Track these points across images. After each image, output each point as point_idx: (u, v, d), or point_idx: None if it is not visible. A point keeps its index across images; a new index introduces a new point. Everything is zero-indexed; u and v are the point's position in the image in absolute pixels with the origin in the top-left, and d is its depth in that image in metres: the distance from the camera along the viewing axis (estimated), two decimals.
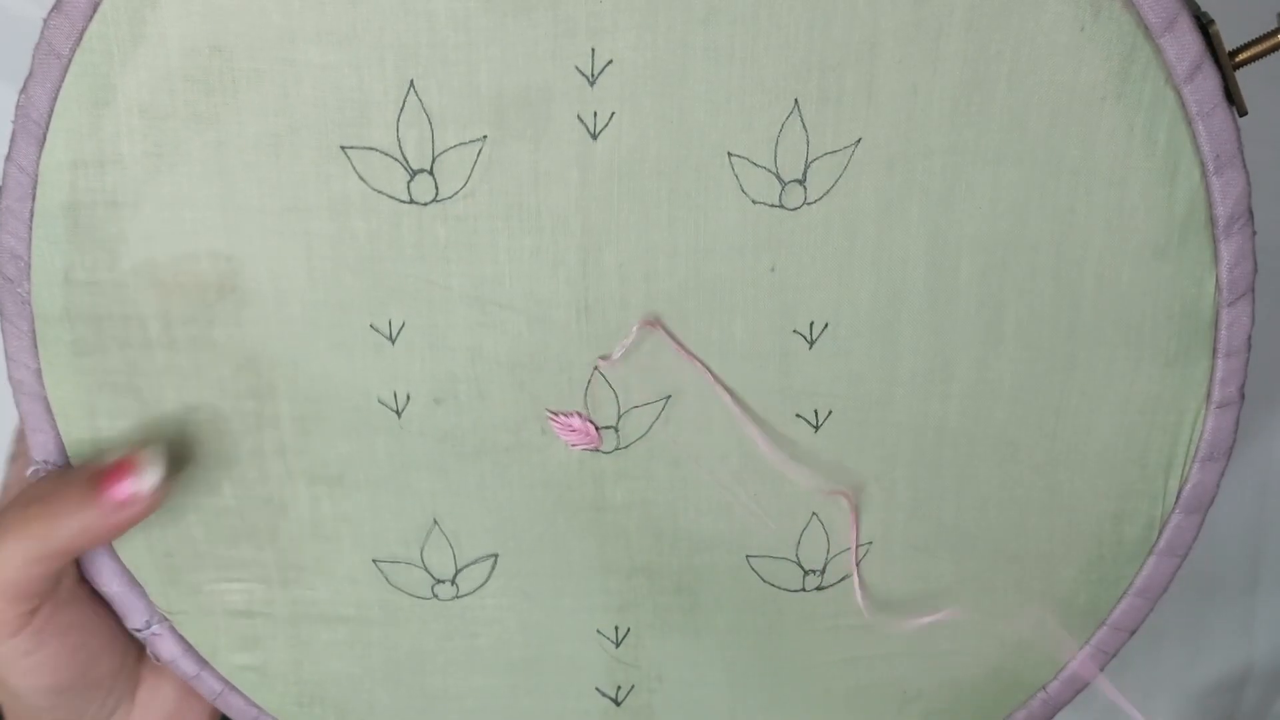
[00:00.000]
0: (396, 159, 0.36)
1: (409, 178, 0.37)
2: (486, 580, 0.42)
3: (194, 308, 0.38)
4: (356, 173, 0.36)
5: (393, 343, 0.39)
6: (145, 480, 0.38)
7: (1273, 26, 0.38)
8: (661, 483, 0.41)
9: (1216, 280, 0.40)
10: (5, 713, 0.43)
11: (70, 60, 0.35)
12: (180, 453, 0.40)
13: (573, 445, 0.40)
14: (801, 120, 0.37)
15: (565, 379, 0.40)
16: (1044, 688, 0.46)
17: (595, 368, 0.39)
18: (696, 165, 0.37)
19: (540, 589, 0.43)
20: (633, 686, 0.45)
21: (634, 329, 0.39)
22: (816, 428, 0.41)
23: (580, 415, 0.40)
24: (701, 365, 0.40)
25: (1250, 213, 0.39)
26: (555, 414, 0.40)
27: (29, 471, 0.40)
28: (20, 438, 0.43)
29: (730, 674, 0.45)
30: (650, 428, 0.40)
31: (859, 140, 0.37)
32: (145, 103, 0.36)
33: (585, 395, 0.40)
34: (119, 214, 0.37)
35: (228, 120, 0.36)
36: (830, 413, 0.41)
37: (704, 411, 0.41)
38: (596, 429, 0.40)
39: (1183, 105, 0.37)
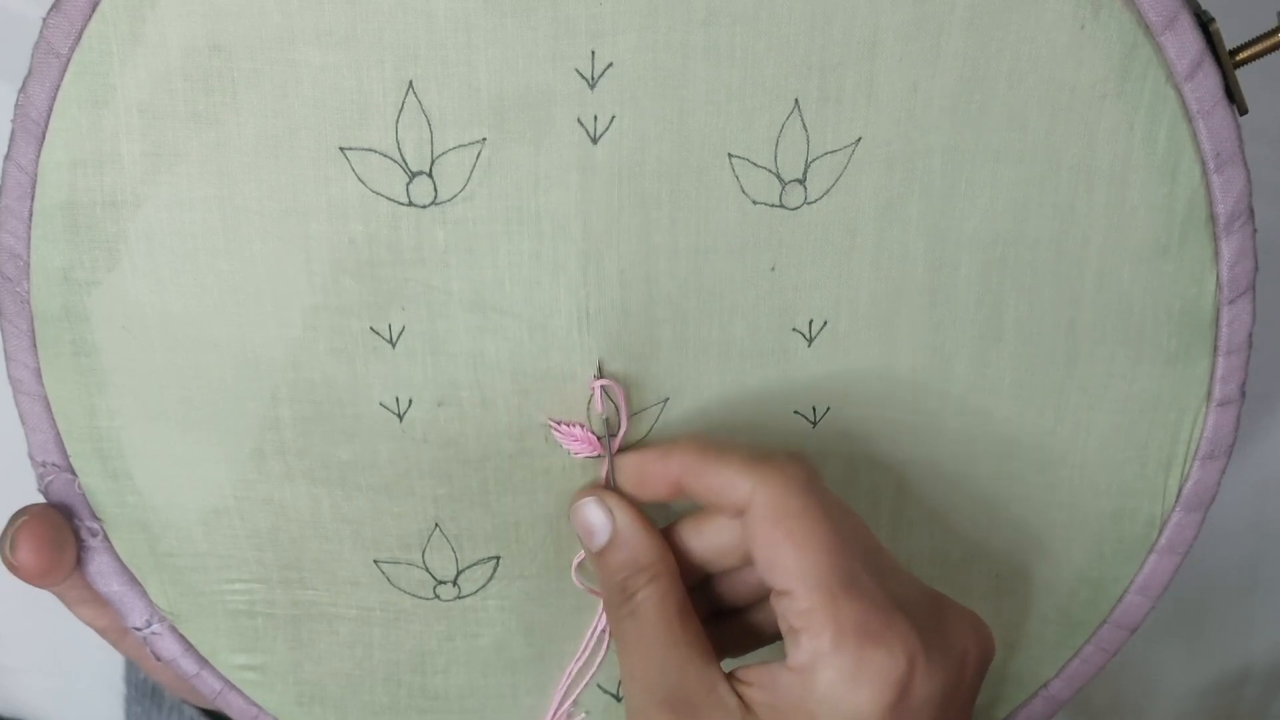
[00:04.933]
0: (395, 160, 0.36)
1: (408, 180, 0.36)
2: (488, 582, 0.42)
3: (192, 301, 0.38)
4: (355, 174, 0.36)
5: (393, 347, 0.38)
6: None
7: (1273, 25, 0.38)
8: None
9: (1217, 278, 0.40)
10: None
11: (69, 60, 0.35)
12: (180, 452, 0.40)
13: (576, 454, 0.40)
14: (802, 120, 0.37)
15: (568, 387, 0.39)
16: (1045, 686, 0.46)
17: (593, 386, 0.39)
18: (697, 167, 0.37)
19: (542, 590, 0.42)
20: None
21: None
22: (814, 424, 0.41)
23: (582, 425, 0.40)
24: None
25: (1251, 210, 0.39)
26: (558, 423, 0.40)
27: (38, 478, 0.40)
28: None
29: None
30: (650, 431, 0.40)
31: (859, 140, 0.37)
32: (144, 102, 0.35)
33: (588, 406, 0.40)
34: (118, 213, 0.37)
35: (227, 120, 0.36)
36: (828, 410, 0.41)
37: (700, 413, 0.40)
38: (599, 437, 0.40)
39: (1183, 103, 0.37)
